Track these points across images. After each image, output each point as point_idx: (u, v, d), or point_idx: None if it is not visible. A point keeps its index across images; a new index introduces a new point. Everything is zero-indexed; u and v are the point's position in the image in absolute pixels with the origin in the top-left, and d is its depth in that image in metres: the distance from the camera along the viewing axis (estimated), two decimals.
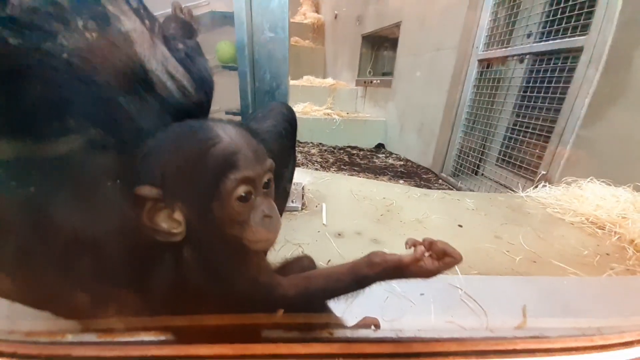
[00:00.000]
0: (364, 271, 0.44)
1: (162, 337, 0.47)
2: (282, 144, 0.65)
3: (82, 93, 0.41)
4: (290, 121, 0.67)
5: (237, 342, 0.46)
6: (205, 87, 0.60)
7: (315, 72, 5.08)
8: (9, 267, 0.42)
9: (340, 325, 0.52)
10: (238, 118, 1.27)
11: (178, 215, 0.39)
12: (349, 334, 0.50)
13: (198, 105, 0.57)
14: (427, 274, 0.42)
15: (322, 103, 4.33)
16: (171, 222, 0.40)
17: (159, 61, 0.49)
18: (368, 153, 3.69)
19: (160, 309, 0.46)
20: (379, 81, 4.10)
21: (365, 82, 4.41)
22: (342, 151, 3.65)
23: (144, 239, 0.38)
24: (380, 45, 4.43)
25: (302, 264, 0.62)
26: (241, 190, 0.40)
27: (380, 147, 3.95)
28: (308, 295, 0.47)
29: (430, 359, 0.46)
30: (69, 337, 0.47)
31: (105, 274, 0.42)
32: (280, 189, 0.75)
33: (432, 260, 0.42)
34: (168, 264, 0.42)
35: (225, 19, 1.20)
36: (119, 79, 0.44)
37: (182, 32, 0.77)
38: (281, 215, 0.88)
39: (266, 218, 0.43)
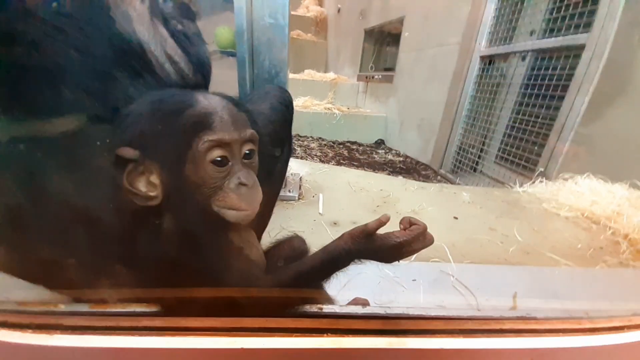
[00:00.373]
0: (334, 244, 0.45)
1: (154, 309, 0.47)
2: (277, 126, 0.65)
3: (77, 62, 0.41)
4: (286, 104, 0.67)
5: (227, 316, 0.46)
6: (202, 70, 0.60)
7: (316, 66, 5.05)
8: (7, 240, 0.42)
9: (331, 301, 0.53)
10: None
11: (154, 178, 0.40)
12: (338, 310, 0.50)
13: (195, 88, 0.57)
14: (396, 239, 0.43)
15: (323, 97, 4.31)
16: (148, 186, 0.40)
17: (158, 42, 0.49)
18: (367, 148, 3.69)
19: (146, 280, 0.46)
20: (380, 76, 4.08)
21: (366, 78, 4.39)
22: (341, 146, 3.65)
23: (129, 206, 0.39)
24: (382, 40, 4.40)
25: (293, 244, 0.62)
26: (215, 153, 0.40)
27: (380, 142, 3.95)
28: (292, 283, 0.47)
29: (417, 337, 0.46)
30: (62, 307, 0.48)
31: (96, 243, 0.42)
32: (274, 172, 0.75)
33: (401, 231, 0.44)
34: (151, 234, 0.43)
35: (225, 3, 1.19)
36: (116, 53, 0.44)
37: (181, 13, 0.76)
38: (276, 199, 0.88)
39: (242, 186, 0.42)
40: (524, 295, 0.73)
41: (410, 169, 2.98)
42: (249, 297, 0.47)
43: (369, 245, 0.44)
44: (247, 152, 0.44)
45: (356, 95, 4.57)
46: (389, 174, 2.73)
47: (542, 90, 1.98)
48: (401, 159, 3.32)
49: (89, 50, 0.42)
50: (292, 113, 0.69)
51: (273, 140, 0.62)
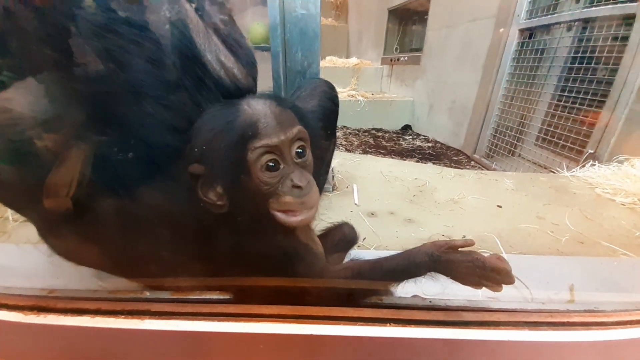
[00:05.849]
0: (417, 248, 0.47)
1: (227, 297, 0.51)
2: (326, 122, 0.66)
3: (152, 74, 0.44)
4: (333, 99, 0.67)
5: (294, 304, 0.49)
6: (252, 72, 0.62)
7: (338, 52, 4.91)
8: (100, 239, 0.48)
9: (389, 293, 0.54)
10: None
11: (219, 189, 0.42)
12: (397, 301, 0.52)
13: (246, 91, 0.59)
14: (477, 255, 0.44)
15: (346, 84, 4.22)
16: (217, 195, 0.42)
17: (213, 51, 0.51)
18: (394, 135, 3.60)
19: (222, 272, 0.51)
20: (406, 58, 3.91)
21: (391, 60, 4.23)
22: (366, 134, 3.59)
23: (203, 211, 0.42)
24: (408, 20, 4.19)
25: (343, 230, 0.64)
26: (265, 158, 0.41)
27: (406, 128, 3.83)
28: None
29: (479, 328, 0.47)
30: (147, 294, 0.53)
31: (181, 242, 0.47)
32: (321, 169, 0.77)
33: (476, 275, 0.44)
34: (229, 234, 0.46)
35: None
36: (183, 64, 0.47)
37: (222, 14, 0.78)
38: (321, 193, 0.90)
39: (295, 189, 0.42)
40: (581, 287, 0.71)
41: (440, 154, 2.88)
42: (316, 288, 0.50)
43: (451, 256, 0.45)
44: (299, 150, 0.44)
45: (380, 80, 4.43)
46: (417, 161, 2.66)
47: (592, 64, 1.81)
48: (430, 144, 3.22)
49: (162, 62, 0.44)
50: (338, 106, 0.69)
51: (323, 138, 0.63)
